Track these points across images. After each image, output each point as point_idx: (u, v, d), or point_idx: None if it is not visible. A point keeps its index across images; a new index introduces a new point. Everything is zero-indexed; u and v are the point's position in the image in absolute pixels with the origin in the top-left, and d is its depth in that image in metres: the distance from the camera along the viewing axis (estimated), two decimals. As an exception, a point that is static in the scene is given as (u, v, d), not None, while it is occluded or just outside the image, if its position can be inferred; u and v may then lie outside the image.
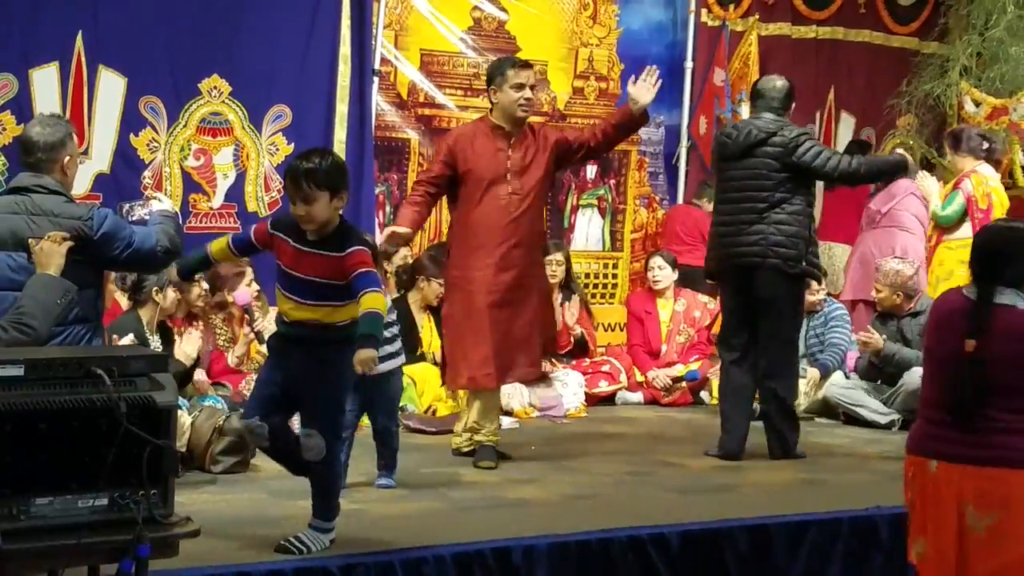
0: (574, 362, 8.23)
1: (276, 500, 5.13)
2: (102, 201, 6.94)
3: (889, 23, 10.43)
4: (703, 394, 8.42)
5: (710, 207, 7.58)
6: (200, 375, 6.33)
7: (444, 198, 6.40)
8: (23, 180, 4.68)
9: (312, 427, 4.33)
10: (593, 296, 9.20)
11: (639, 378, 8.42)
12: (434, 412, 7.31)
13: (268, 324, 5.67)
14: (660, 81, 6.26)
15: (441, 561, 4.46)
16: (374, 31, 8.24)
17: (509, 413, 7.41)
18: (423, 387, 7.35)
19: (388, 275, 7.29)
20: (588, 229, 9.31)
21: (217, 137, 7.87)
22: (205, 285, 6.58)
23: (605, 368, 8.37)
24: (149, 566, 3.25)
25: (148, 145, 7.65)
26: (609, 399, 8.30)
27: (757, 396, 6.60)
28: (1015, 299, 3.81)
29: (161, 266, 5.32)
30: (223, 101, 7.85)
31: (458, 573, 4.47)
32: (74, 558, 3.23)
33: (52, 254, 4.40)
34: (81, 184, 7.03)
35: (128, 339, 5.75)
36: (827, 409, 7.89)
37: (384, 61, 8.39)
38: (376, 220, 8.31)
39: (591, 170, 9.25)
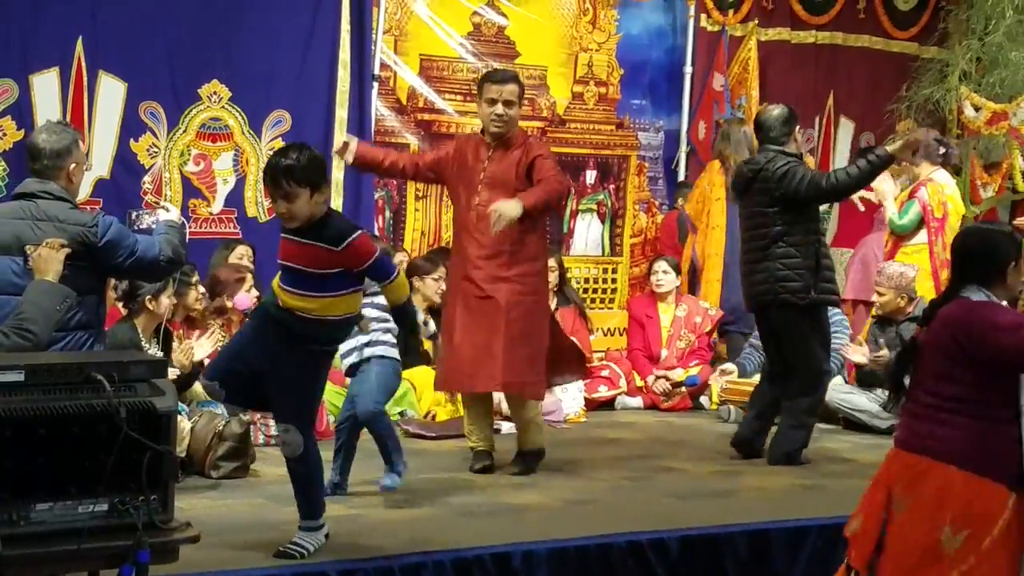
0: (572, 369, 8.22)
1: (276, 505, 5.13)
2: (102, 206, 6.95)
3: (888, 28, 10.45)
4: (703, 399, 8.42)
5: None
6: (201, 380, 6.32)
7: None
8: (29, 186, 4.71)
9: (285, 414, 4.36)
10: (592, 301, 9.20)
11: (639, 383, 8.42)
12: (433, 417, 7.29)
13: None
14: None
15: (440, 567, 4.47)
16: (374, 36, 8.26)
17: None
18: (422, 391, 7.33)
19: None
20: (587, 234, 9.31)
21: (217, 142, 7.88)
22: (202, 289, 6.57)
23: (604, 373, 8.38)
24: (149, 571, 3.26)
25: (148, 150, 7.67)
26: (608, 404, 8.30)
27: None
28: (978, 295, 3.89)
29: (163, 275, 5.33)
30: (223, 106, 7.86)
31: (457, 578, 4.48)
32: (74, 563, 3.23)
33: (50, 260, 4.42)
34: (81, 189, 6.91)
35: None
36: (827, 414, 7.87)
37: (384, 66, 8.40)
38: (376, 225, 8.32)
39: (590, 175, 9.26)
